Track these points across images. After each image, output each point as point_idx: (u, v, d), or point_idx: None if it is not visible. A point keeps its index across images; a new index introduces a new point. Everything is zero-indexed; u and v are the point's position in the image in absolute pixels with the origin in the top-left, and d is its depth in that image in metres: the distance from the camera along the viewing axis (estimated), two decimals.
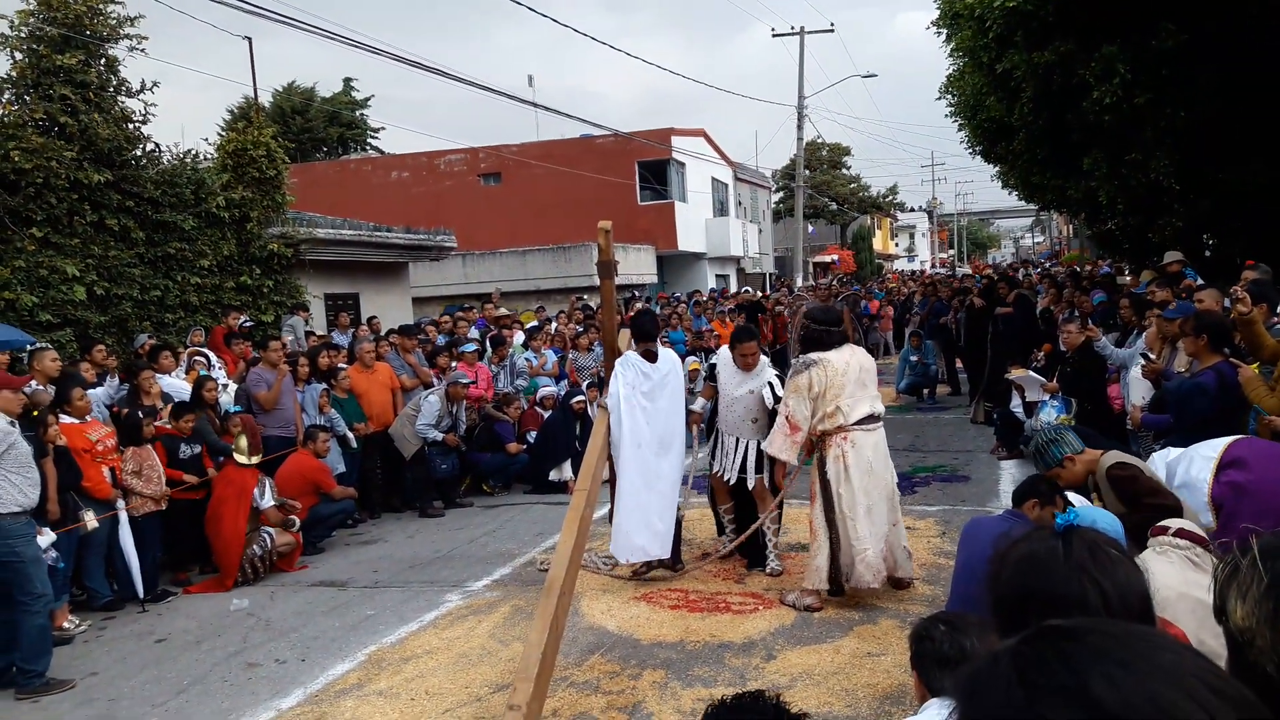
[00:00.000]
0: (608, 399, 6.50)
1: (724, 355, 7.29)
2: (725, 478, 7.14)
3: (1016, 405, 10.08)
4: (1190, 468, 4.20)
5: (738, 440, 7.06)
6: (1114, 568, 1.47)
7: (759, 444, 6.81)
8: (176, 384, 8.94)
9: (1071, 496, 4.95)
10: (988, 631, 2.65)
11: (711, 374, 7.40)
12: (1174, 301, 7.92)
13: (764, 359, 7.25)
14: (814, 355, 6.24)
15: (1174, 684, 0.78)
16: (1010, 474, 9.37)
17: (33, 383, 7.40)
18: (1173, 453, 4.41)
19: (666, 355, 6.82)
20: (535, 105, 20.70)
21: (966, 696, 0.85)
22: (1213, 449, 4.19)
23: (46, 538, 6.31)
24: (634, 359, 6.56)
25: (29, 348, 8.49)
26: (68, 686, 5.80)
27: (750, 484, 7.04)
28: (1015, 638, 0.90)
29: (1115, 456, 4.25)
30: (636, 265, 28.30)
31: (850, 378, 6.15)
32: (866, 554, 5.95)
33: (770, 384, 6.95)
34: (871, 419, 6.18)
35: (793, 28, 32.48)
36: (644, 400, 6.47)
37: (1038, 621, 1.35)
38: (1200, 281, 8.82)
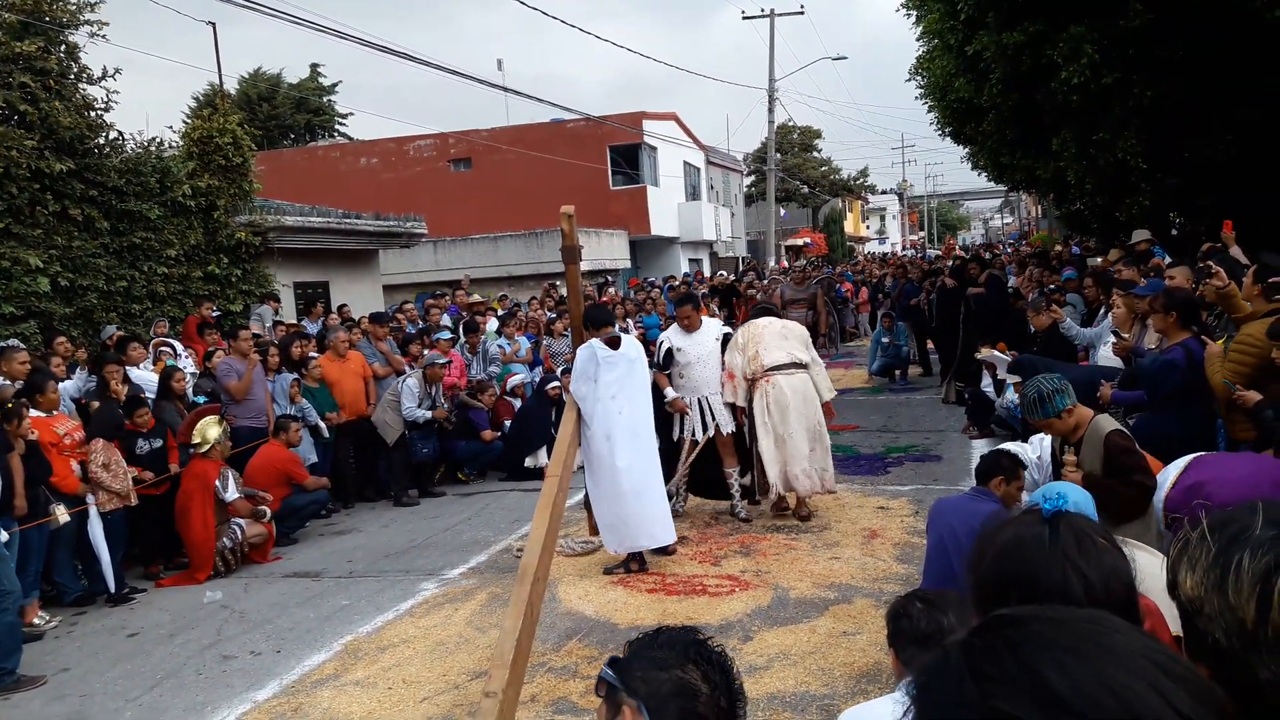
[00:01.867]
0: (572, 389, 6.49)
1: (671, 332, 8.05)
2: (695, 439, 7.78)
3: (987, 385, 10.17)
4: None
5: (700, 400, 7.78)
6: (1099, 556, 1.45)
7: (720, 398, 7.76)
8: (144, 375, 8.83)
9: (1024, 452, 5.04)
10: (965, 609, 2.66)
11: (667, 361, 7.84)
12: (1141, 280, 8.00)
13: (711, 320, 8.23)
14: (749, 321, 7.95)
15: (1125, 667, 0.78)
16: (981, 453, 9.44)
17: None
18: None
19: (630, 342, 6.79)
20: (505, 89, 20.61)
21: (920, 693, 0.84)
22: (1176, 466, 4.20)
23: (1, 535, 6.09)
24: (597, 346, 6.49)
25: None
26: (39, 683, 5.72)
27: (724, 432, 7.74)
28: (965, 631, 0.89)
29: (1111, 422, 4.30)
30: (609, 250, 28.25)
31: (770, 332, 7.68)
32: (782, 469, 7.45)
33: (719, 339, 7.85)
34: (792, 365, 7.58)
35: (763, 10, 32.41)
36: (611, 389, 6.44)
37: (1017, 603, 1.35)
38: (1168, 260, 8.90)
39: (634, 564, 6.75)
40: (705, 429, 7.75)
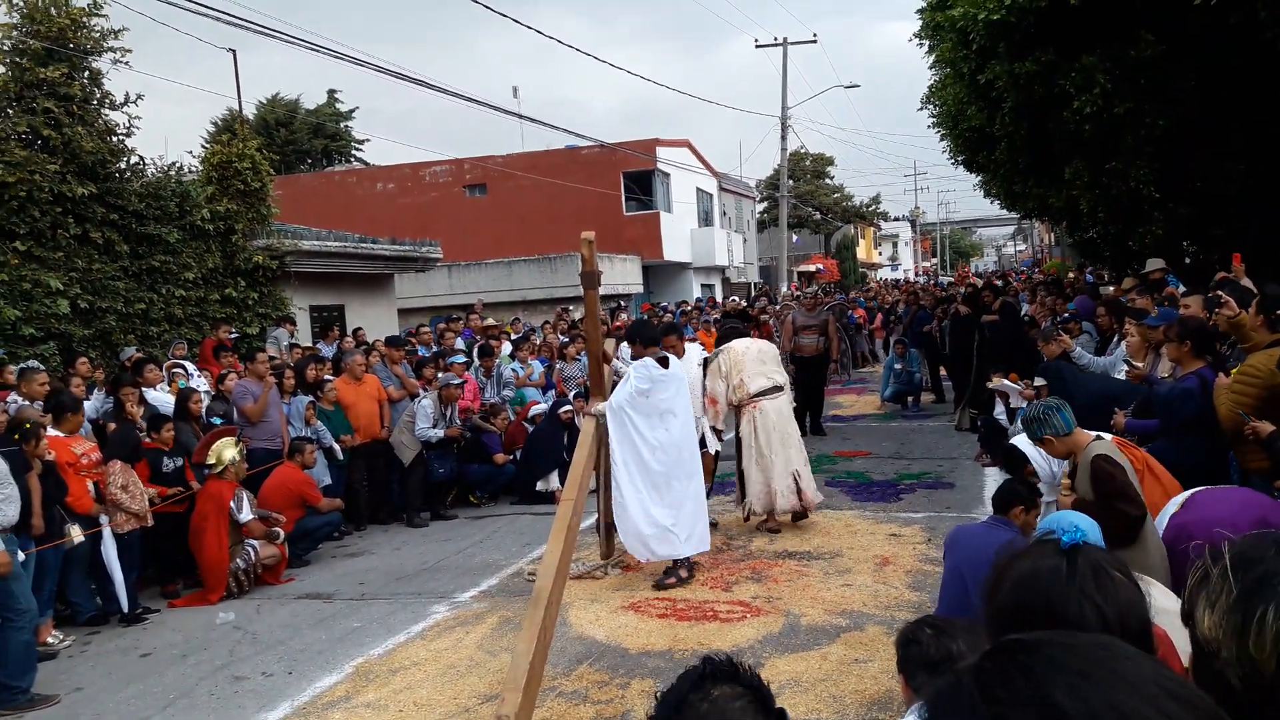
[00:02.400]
0: (609, 404, 6.62)
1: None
2: None
3: (1000, 412, 10.14)
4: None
5: None
6: (1116, 590, 1.46)
7: (705, 421, 8.02)
8: (161, 397, 8.91)
9: (1034, 457, 5.05)
10: (974, 635, 2.67)
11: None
12: (1154, 309, 8.00)
13: (692, 346, 8.40)
14: (724, 346, 8.19)
15: (1136, 692, 0.80)
16: (995, 480, 9.41)
17: (14, 397, 7.36)
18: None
19: (676, 363, 7.00)
20: (520, 116, 20.75)
21: (932, 716, 0.86)
22: (1174, 503, 4.17)
23: (19, 556, 6.09)
24: (650, 365, 6.72)
25: (20, 366, 8.42)
26: (52, 702, 5.75)
27: (711, 451, 8.03)
28: (976, 656, 0.90)
29: (1102, 447, 4.30)
30: (622, 275, 28.35)
31: (750, 358, 8.00)
32: (768, 486, 7.82)
33: (700, 365, 8.09)
34: (773, 389, 7.98)
35: (776, 38, 32.66)
36: (661, 406, 6.68)
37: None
38: (1183, 288, 8.90)
39: (683, 571, 6.84)
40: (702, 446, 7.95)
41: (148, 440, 7.92)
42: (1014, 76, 12.00)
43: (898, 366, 15.03)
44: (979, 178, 21.78)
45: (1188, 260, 15.21)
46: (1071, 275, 22.31)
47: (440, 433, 9.79)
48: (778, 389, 8.01)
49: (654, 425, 6.67)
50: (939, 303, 15.43)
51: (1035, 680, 0.81)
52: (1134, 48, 10.54)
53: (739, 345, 8.11)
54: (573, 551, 5.84)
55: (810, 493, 8.04)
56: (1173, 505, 3.97)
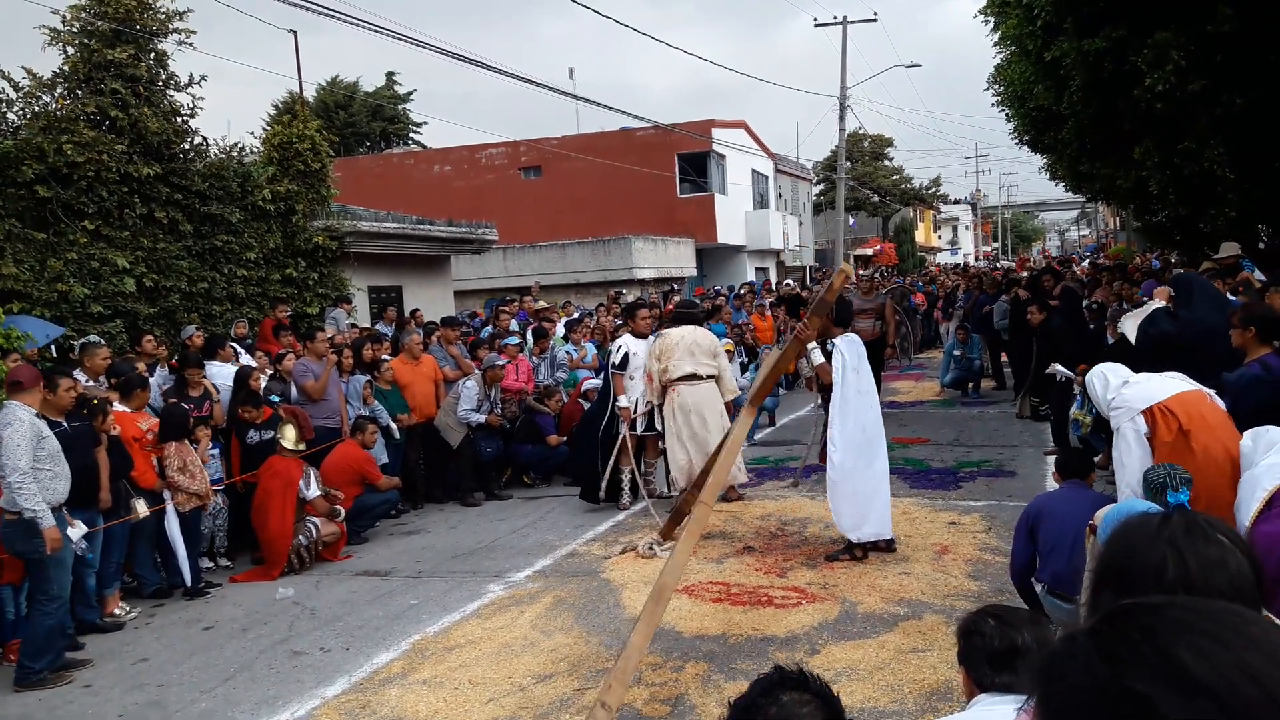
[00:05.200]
0: (834, 378, 6.77)
1: (628, 338, 9.16)
2: (636, 434, 8.95)
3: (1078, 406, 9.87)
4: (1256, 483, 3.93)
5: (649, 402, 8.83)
6: (1206, 546, 1.42)
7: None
8: (226, 371, 9.07)
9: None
10: (1039, 627, 2.59)
11: (623, 364, 8.94)
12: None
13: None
14: (663, 330, 8.78)
15: (1265, 655, 0.77)
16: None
17: (80, 375, 7.52)
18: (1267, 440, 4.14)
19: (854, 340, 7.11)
20: (576, 97, 20.74)
21: (1045, 679, 0.83)
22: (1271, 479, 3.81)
23: (77, 530, 6.17)
24: (856, 341, 6.90)
25: (80, 341, 8.62)
26: (64, 680, 5.80)
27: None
28: (1089, 622, 0.88)
29: None
30: (676, 258, 28.26)
31: (681, 347, 8.48)
32: (685, 467, 8.22)
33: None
34: (693, 377, 8.44)
35: (835, 17, 32.16)
36: (863, 384, 6.82)
37: (1113, 589, 1.33)
38: (1259, 274, 8.59)
39: (859, 550, 6.86)
40: (652, 427, 8.95)
41: (240, 412, 8.21)
42: (1082, 53, 11.67)
43: (957, 353, 14.76)
44: (1044, 159, 21.32)
45: (1262, 244, 14.71)
46: (1138, 260, 21.76)
47: (482, 418, 9.82)
48: (700, 377, 8.48)
49: (863, 405, 6.80)
50: (1000, 288, 15.11)
51: (1159, 641, 0.79)
52: (1211, 22, 10.16)
53: (675, 334, 8.61)
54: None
55: (740, 474, 8.59)
56: (1254, 500, 3.79)
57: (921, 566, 6.68)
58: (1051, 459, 9.71)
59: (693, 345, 8.58)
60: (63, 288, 9.96)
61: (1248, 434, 4.28)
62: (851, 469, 6.71)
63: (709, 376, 8.57)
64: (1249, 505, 3.77)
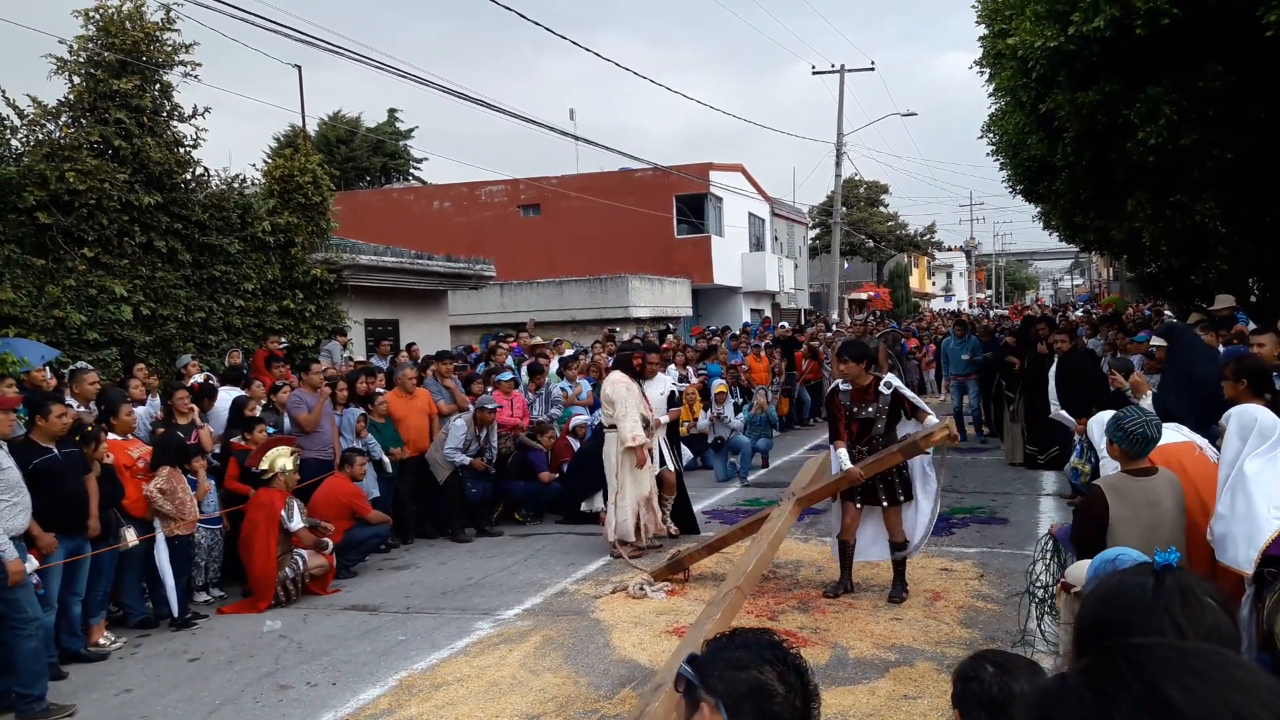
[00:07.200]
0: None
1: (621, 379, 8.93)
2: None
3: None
4: (1250, 502, 4.00)
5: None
6: (1202, 614, 1.43)
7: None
8: (221, 398, 9.04)
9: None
10: (1038, 675, 2.59)
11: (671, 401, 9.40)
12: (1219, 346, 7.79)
13: (663, 376, 9.52)
14: (611, 376, 8.99)
15: (1250, 695, 0.79)
16: (1049, 516, 9.21)
17: (71, 402, 7.50)
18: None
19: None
20: (576, 138, 20.91)
21: (1038, 715, 0.85)
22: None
23: (31, 563, 5.90)
24: (895, 381, 7.18)
25: (70, 368, 8.62)
26: (68, 712, 5.70)
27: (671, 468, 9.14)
28: (1081, 661, 0.90)
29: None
30: (672, 298, 28.36)
31: (603, 396, 8.88)
32: (627, 514, 8.58)
33: (664, 394, 9.21)
34: (606, 427, 8.75)
35: (833, 65, 32.61)
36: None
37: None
38: (1252, 325, 8.66)
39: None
40: (663, 463, 9.08)
41: (237, 441, 8.21)
42: (1076, 106, 11.82)
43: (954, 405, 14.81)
44: (1038, 208, 21.51)
45: (1254, 297, 14.83)
46: (1130, 310, 21.90)
47: (466, 459, 9.79)
48: (607, 428, 8.79)
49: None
50: (992, 336, 15.17)
51: (1147, 677, 0.81)
52: (1202, 78, 10.32)
53: (607, 381, 8.95)
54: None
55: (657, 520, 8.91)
56: (1269, 530, 3.83)
57: (913, 612, 6.65)
58: (1045, 505, 9.72)
59: (606, 395, 8.83)
60: (60, 314, 9.97)
61: (1228, 412, 4.41)
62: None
63: (611, 427, 8.75)
64: (1251, 521, 3.84)
